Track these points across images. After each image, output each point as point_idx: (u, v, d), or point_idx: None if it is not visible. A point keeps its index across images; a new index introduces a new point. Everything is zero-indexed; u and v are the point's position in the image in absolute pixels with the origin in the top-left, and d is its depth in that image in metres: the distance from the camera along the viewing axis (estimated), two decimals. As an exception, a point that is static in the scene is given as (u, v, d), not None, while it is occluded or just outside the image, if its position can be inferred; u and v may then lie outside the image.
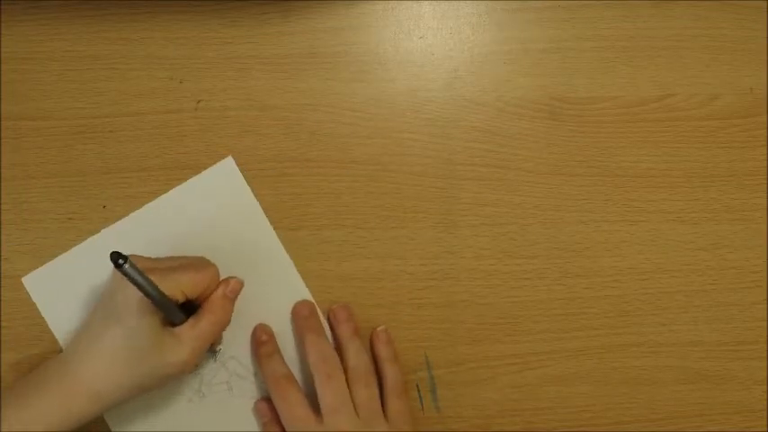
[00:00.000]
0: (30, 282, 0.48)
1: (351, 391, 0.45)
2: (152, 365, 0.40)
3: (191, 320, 0.42)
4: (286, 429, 0.45)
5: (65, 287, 0.48)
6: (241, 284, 0.45)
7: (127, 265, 0.37)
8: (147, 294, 0.38)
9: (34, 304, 0.48)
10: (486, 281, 0.50)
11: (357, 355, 0.46)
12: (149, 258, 0.43)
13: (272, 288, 0.49)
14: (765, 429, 0.50)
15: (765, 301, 0.50)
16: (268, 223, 0.49)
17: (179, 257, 0.45)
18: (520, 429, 0.49)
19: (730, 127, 0.50)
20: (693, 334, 0.50)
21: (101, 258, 0.47)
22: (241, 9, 0.50)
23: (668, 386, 0.50)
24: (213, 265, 0.44)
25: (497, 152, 0.50)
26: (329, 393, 0.44)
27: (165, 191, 0.49)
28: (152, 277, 0.39)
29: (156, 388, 0.42)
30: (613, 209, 0.50)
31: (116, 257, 0.36)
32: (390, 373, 0.47)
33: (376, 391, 0.46)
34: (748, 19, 0.50)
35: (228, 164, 0.49)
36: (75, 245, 0.49)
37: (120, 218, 0.49)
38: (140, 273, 0.38)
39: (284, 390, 0.45)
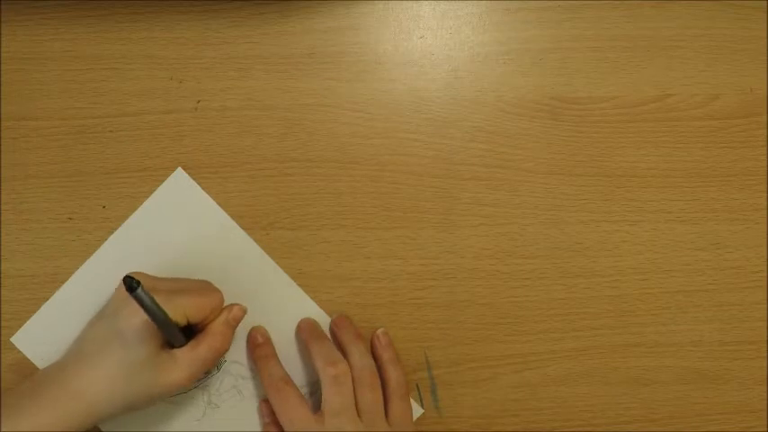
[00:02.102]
0: (19, 340, 0.48)
1: (356, 395, 0.45)
2: (147, 384, 0.41)
3: (191, 344, 0.42)
4: (284, 430, 0.45)
5: (54, 336, 0.47)
6: (244, 312, 0.45)
7: (140, 290, 0.37)
8: (153, 318, 0.39)
9: (34, 304, 0.48)
10: (486, 281, 0.50)
11: (362, 359, 0.46)
12: (155, 278, 0.43)
13: (257, 286, 0.49)
14: (765, 429, 0.50)
15: (765, 301, 0.50)
16: (234, 223, 0.49)
17: (184, 280, 0.45)
18: (520, 429, 0.49)
19: (730, 127, 0.50)
20: (693, 334, 0.50)
21: (82, 299, 0.47)
22: (241, 9, 0.50)
23: (668, 386, 0.50)
24: (218, 291, 0.44)
25: (497, 152, 0.50)
26: (335, 396, 0.44)
27: (165, 191, 0.49)
28: (155, 298, 0.39)
29: (150, 406, 0.42)
30: (613, 209, 0.50)
31: (129, 282, 0.37)
32: (393, 374, 0.47)
33: (380, 395, 0.46)
34: (748, 19, 0.50)
35: (179, 175, 0.49)
36: (75, 245, 0.49)
37: (120, 218, 0.49)
38: (151, 298, 0.38)
39: (282, 391, 0.45)
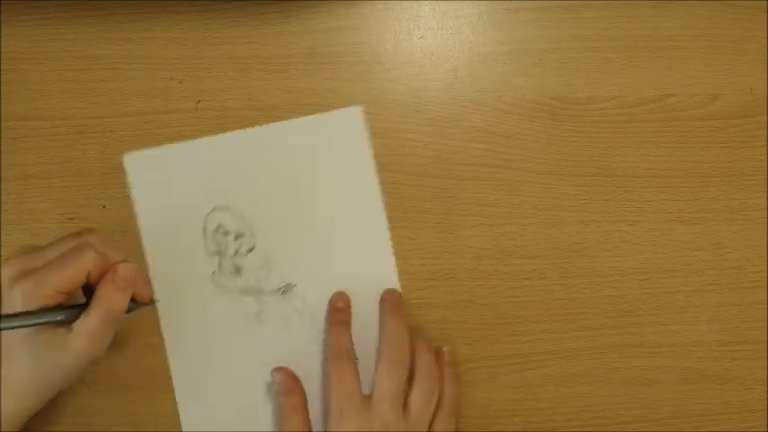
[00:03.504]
0: (129, 161, 0.48)
1: (411, 390, 0.44)
2: (54, 367, 0.39)
3: (83, 315, 0.40)
4: (328, 401, 0.44)
5: (163, 177, 0.48)
6: (133, 270, 0.41)
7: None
8: (20, 327, 0.38)
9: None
10: (486, 281, 0.50)
11: (430, 364, 0.45)
12: (29, 256, 0.41)
13: (359, 247, 0.49)
14: (765, 429, 0.50)
15: (765, 301, 0.50)
16: (376, 181, 0.49)
17: (58, 244, 0.42)
18: (520, 429, 0.49)
19: (730, 127, 0.50)
20: (693, 334, 0.50)
21: (206, 161, 0.48)
22: (241, 9, 0.50)
23: (668, 386, 0.50)
24: (87, 252, 0.39)
25: (497, 152, 0.50)
26: (388, 381, 0.43)
27: (165, 191, 0.49)
28: (26, 284, 0.38)
29: (74, 380, 0.41)
30: (613, 209, 0.50)
31: None
32: (450, 390, 0.46)
33: (434, 403, 0.45)
34: (748, 19, 0.50)
35: (353, 112, 0.49)
36: (75, 245, 0.49)
37: (120, 218, 0.49)
38: (5, 319, 0.37)
39: (343, 362, 0.45)
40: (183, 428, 0.48)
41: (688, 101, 0.50)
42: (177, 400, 0.48)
